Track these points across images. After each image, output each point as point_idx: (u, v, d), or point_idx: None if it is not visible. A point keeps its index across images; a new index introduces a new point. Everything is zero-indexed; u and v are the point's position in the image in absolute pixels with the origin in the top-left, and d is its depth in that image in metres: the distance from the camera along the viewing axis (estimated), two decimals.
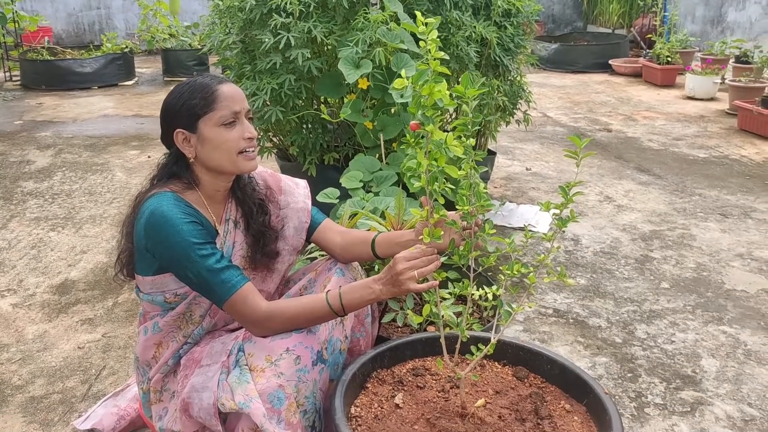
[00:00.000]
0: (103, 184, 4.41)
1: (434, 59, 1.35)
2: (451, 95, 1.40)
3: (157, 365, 1.73)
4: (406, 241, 1.74)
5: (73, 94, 7.57)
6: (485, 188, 1.56)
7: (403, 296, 1.98)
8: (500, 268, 1.65)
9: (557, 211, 1.59)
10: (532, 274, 1.58)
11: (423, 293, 2.19)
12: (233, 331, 1.77)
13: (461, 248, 1.56)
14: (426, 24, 1.38)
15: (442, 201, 1.50)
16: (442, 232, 1.55)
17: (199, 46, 8.50)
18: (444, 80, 1.37)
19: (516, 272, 1.59)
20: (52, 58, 7.89)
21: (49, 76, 7.73)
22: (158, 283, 1.68)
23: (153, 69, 9.17)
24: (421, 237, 1.56)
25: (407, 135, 1.43)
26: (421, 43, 1.36)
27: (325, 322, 1.63)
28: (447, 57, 1.46)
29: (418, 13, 1.40)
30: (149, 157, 5.02)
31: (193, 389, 1.60)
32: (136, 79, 8.41)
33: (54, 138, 5.62)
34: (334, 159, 3.35)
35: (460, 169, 1.48)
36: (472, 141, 1.53)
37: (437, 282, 1.56)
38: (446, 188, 1.52)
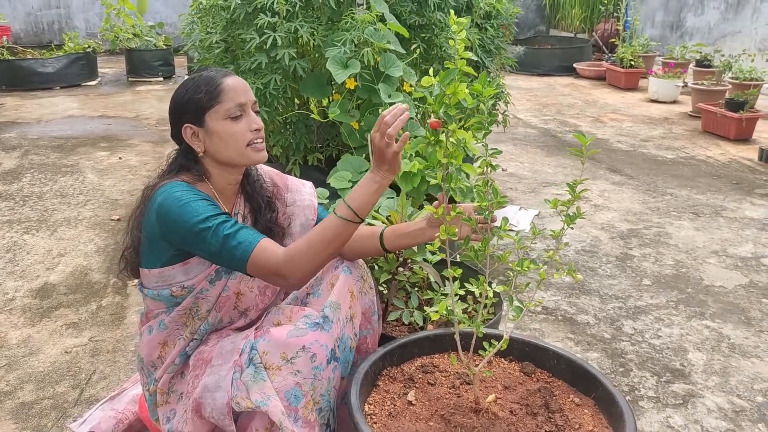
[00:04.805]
0: (75, 186, 4.31)
1: (461, 59, 1.36)
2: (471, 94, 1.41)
3: (163, 366, 1.70)
4: (414, 230, 1.74)
5: (35, 94, 7.38)
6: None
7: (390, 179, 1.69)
8: (509, 264, 1.68)
9: (564, 208, 1.64)
10: (542, 270, 1.60)
11: (431, 291, 2.21)
12: (240, 329, 1.75)
13: (477, 245, 1.57)
14: (457, 23, 1.39)
15: (459, 198, 1.51)
16: (457, 229, 1.56)
17: (165, 47, 8.37)
18: (467, 80, 1.39)
19: (526, 268, 1.61)
20: (13, 57, 7.68)
21: (9, 76, 7.54)
22: (165, 276, 1.66)
23: (116, 69, 9.01)
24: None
25: (426, 133, 1.44)
26: (449, 41, 1.37)
27: (346, 236, 1.59)
28: (474, 57, 1.48)
29: (452, 12, 1.41)
30: (120, 158, 4.92)
31: (206, 389, 1.57)
32: (99, 79, 8.25)
33: (19, 139, 5.47)
34: (318, 159, 3.34)
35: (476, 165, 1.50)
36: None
37: (407, 134, 1.52)
38: (462, 185, 1.53)
